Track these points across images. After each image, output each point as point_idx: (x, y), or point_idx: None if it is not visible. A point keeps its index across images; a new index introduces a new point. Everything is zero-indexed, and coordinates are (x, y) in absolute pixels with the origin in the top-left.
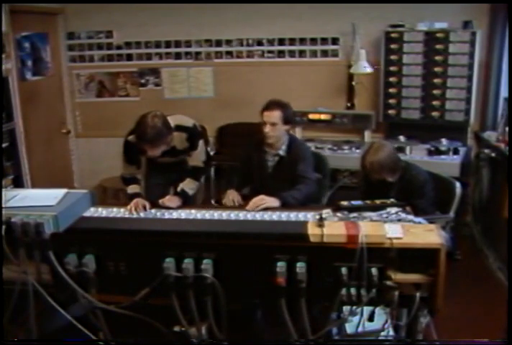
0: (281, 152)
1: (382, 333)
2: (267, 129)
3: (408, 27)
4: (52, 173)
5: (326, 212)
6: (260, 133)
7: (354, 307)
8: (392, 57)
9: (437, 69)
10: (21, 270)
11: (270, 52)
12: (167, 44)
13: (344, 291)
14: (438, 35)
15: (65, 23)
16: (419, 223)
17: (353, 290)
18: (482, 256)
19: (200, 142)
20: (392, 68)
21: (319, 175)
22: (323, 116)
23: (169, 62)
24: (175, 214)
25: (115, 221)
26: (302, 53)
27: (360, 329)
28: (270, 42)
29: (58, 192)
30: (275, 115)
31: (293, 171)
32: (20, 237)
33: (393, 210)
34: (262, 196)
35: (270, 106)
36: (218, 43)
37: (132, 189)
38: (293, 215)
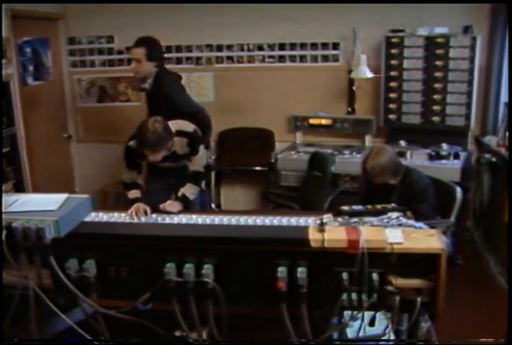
0: (147, 86)
1: (383, 338)
2: (133, 64)
3: (409, 32)
4: (53, 178)
5: (327, 217)
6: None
7: (355, 312)
8: (393, 62)
9: (437, 74)
10: (21, 275)
11: (270, 57)
12: (168, 49)
13: (344, 296)
14: (438, 40)
15: (66, 28)
16: (420, 228)
17: (354, 295)
18: (482, 261)
19: (201, 147)
20: (392, 73)
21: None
22: (323, 121)
23: (170, 67)
24: (175, 219)
25: (116, 225)
26: (303, 58)
27: (361, 334)
28: (271, 47)
29: (59, 197)
30: (139, 52)
31: (161, 102)
32: (21, 242)
33: (394, 215)
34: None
35: (136, 42)
36: (219, 48)
37: (133, 194)
38: (294, 220)
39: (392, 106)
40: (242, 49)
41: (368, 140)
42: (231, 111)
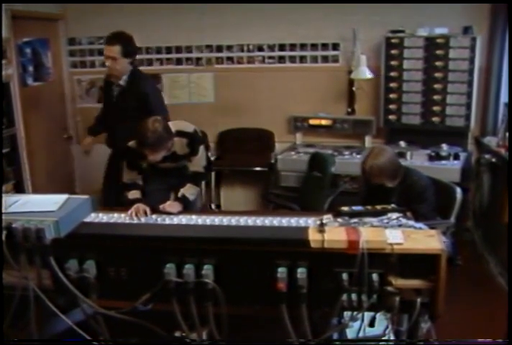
0: (122, 82)
1: (383, 339)
2: (108, 62)
3: (409, 33)
4: (53, 178)
5: (327, 217)
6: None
7: (355, 312)
8: (393, 62)
9: (437, 74)
10: (21, 275)
11: (270, 57)
12: (168, 50)
13: (344, 296)
14: (438, 41)
15: (66, 29)
16: (420, 228)
17: (354, 296)
18: (482, 262)
19: (201, 148)
20: (392, 74)
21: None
22: (323, 122)
23: (170, 68)
24: (175, 219)
25: (116, 226)
26: (302, 59)
27: (361, 335)
28: (271, 48)
29: (59, 198)
30: (115, 49)
31: (135, 101)
32: (21, 242)
33: (394, 215)
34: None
35: (110, 39)
36: (219, 49)
37: (133, 194)
38: (294, 221)
39: (392, 106)
40: (242, 50)
41: (368, 141)
42: (231, 112)
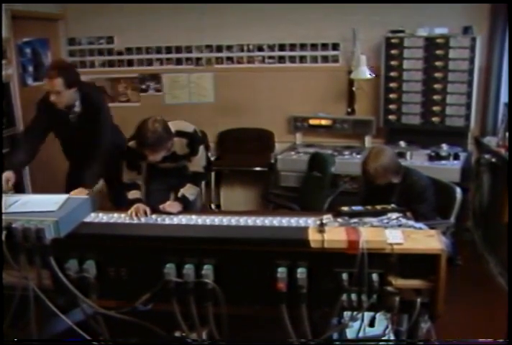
0: (77, 109)
1: (383, 339)
2: (53, 97)
3: (408, 33)
4: (53, 179)
5: (327, 217)
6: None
7: (355, 312)
8: (393, 62)
9: (437, 74)
10: (21, 276)
11: (270, 57)
12: (168, 50)
13: (344, 297)
14: (438, 41)
15: (66, 29)
16: (420, 228)
17: (354, 296)
18: (482, 262)
19: (201, 148)
20: (392, 74)
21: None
22: (323, 122)
23: (170, 68)
24: (175, 220)
25: (116, 226)
26: (302, 59)
27: (361, 335)
28: (271, 48)
29: (59, 198)
30: (57, 83)
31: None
32: (21, 242)
33: (394, 215)
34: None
35: (50, 72)
36: (219, 49)
37: (133, 194)
38: (294, 221)
39: (392, 106)
40: (242, 50)
41: (368, 141)
42: (231, 112)
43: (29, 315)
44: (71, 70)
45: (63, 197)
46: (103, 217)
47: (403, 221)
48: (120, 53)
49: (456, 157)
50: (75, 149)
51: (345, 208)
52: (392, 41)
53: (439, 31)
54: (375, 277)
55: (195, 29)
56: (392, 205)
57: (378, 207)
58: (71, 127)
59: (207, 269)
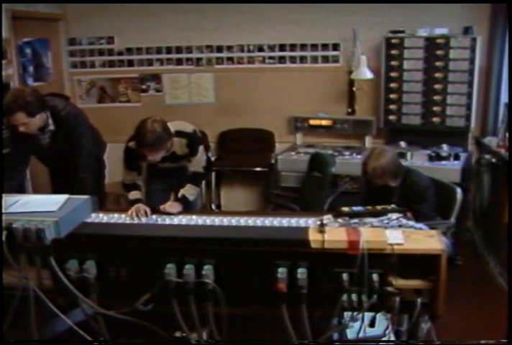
0: (51, 127)
1: (383, 339)
2: (22, 128)
3: (409, 33)
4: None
5: (327, 218)
6: None
7: (355, 313)
8: (393, 62)
9: (438, 75)
10: (22, 276)
11: (270, 57)
12: (168, 50)
13: (345, 297)
14: (438, 41)
15: (67, 29)
16: (420, 228)
17: (354, 296)
18: (483, 262)
19: (201, 148)
20: (392, 74)
21: None
22: (324, 122)
23: (170, 68)
24: (175, 220)
25: (116, 226)
26: (303, 59)
27: (361, 335)
28: (271, 48)
29: (59, 198)
30: (18, 117)
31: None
32: (21, 243)
33: (394, 215)
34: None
35: (10, 109)
36: (219, 49)
37: (133, 195)
38: (294, 221)
39: (392, 106)
40: (242, 50)
41: (368, 141)
42: (231, 112)
43: (30, 315)
44: (30, 99)
45: (63, 197)
46: (103, 217)
47: (404, 221)
48: (120, 53)
49: (456, 157)
50: (58, 169)
51: (345, 209)
52: (393, 41)
53: (440, 31)
54: (375, 277)
55: (195, 30)
56: (393, 206)
57: (378, 207)
58: (49, 147)
59: (207, 270)
